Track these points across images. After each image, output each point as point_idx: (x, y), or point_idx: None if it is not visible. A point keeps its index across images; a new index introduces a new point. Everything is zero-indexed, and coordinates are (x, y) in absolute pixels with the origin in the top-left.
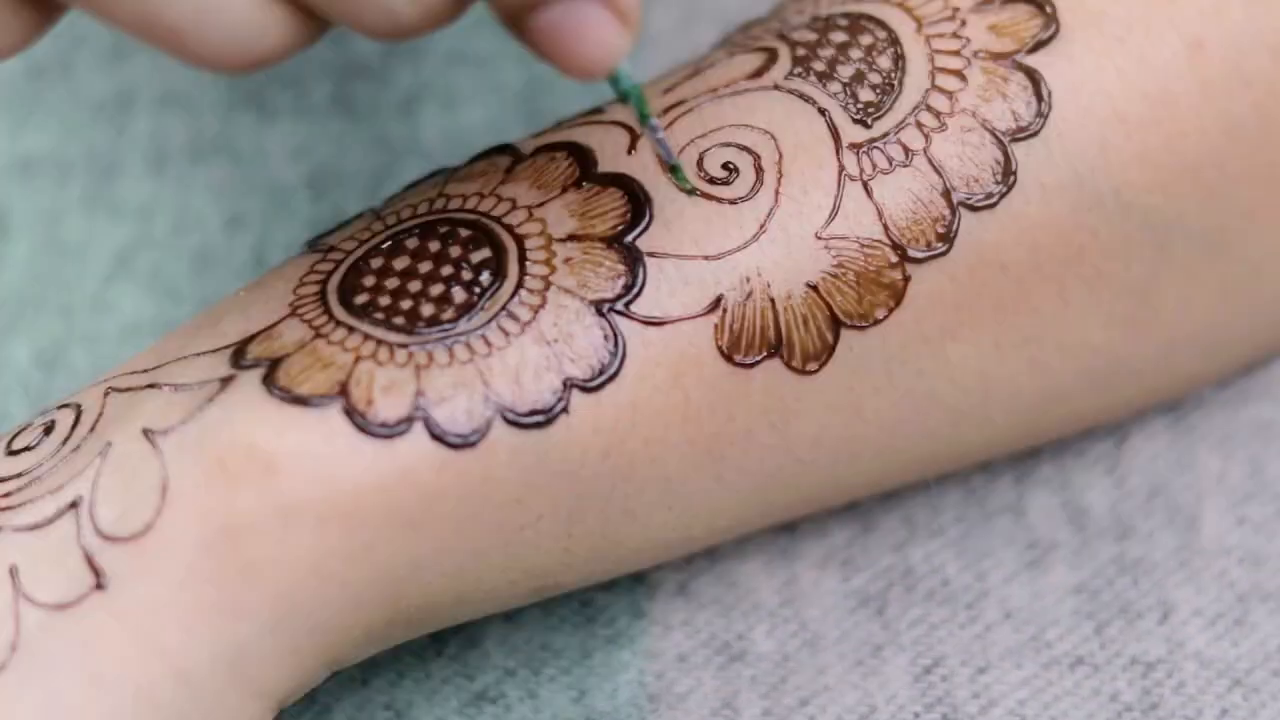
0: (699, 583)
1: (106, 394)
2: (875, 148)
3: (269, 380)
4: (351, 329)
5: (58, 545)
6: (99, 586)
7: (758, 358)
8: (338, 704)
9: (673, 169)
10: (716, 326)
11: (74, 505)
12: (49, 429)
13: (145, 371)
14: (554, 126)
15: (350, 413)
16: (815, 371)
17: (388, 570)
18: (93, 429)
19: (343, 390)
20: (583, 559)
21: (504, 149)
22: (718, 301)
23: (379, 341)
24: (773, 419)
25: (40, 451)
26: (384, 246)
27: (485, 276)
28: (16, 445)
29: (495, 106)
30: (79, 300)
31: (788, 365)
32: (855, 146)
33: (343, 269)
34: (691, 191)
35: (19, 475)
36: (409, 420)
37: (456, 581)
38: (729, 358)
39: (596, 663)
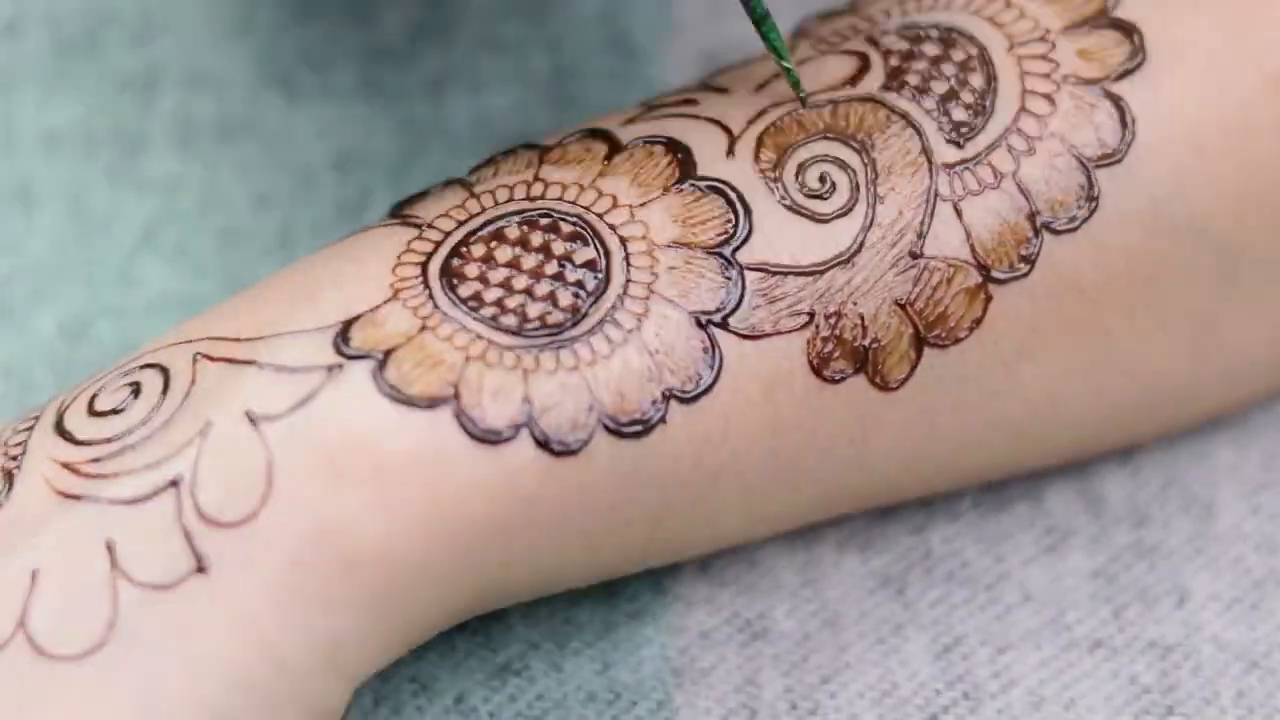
0: (720, 561)
1: (196, 360)
2: (966, 169)
3: (379, 376)
4: (460, 325)
5: (157, 524)
6: (200, 570)
7: (846, 374)
8: None
9: (788, 71)
10: (809, 341)
11: (174, 484)
12: (136, 390)
13: (238, 341)
14: (645, 109)
15: (460, 416)
16: (898, 389)
17: (481, 570)
18: (185, 398)
19: (454, 392)
20: (655, 557)
21: (596, 133)
22: (811, 317)
23: (488, 341)
24: (853, 434)
25: (129, 417)
26: (484, 232)
27: (590, 280)
28: (101, 406)
29: (522, 92)
30: (104, 273)
31: (872, 382)
32: (947, 167)
33: (443, 252)
34: (804, 99)
35: (108, 440)
36: (516, 426)
37: (539, 577)
38: (818, 373)
39: (620, 637)
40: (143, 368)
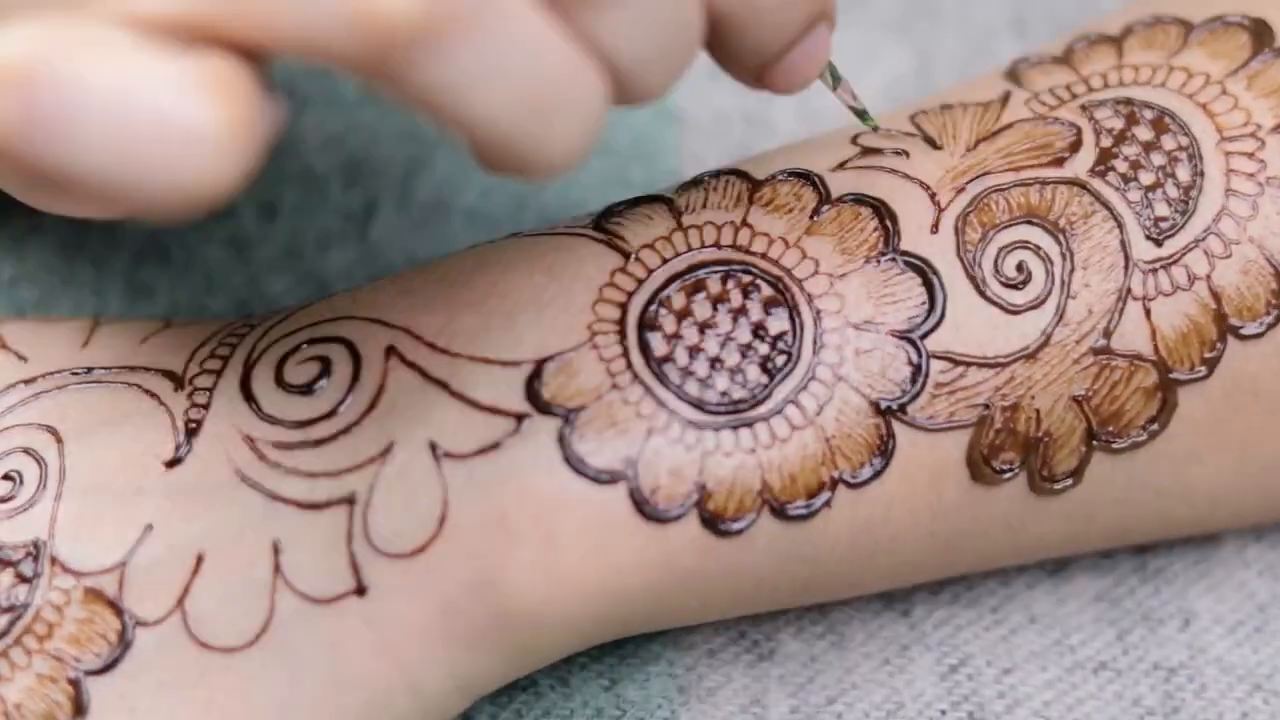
0: None
1: (389, 355)
2: (1161, 268)
3: (565, 442)
4: (647, 389)
5: (325, 537)
6: (358, 593)
7: (1013, 465)
8: None
9: (860, 115)
10: (981, 431)
11: (349, 501)
12: (326, 368)
13: (433, 349)
14: (858, 149)
15: (634, 494)
16: (1062, 483)
17: (625, 627)
18: (373, 405)
19: (632, 468)
20: (790, 607)
21: (807, 178)
22: (986, 408)
23: (671, 412)
24: (1011, 522)
25: (316, 403)
26: (688, 280)
27: (779, 357)
28: (291, 378)
29: None
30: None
31: (1038, 473)
32: (1143, 265)
33: (643, 295)
34: (876, 129)
35: (298, 425)
36: (685, 507)
37: (670, 623)
38: (987, 462)
39: (627, 653)
40: (334, 340)
